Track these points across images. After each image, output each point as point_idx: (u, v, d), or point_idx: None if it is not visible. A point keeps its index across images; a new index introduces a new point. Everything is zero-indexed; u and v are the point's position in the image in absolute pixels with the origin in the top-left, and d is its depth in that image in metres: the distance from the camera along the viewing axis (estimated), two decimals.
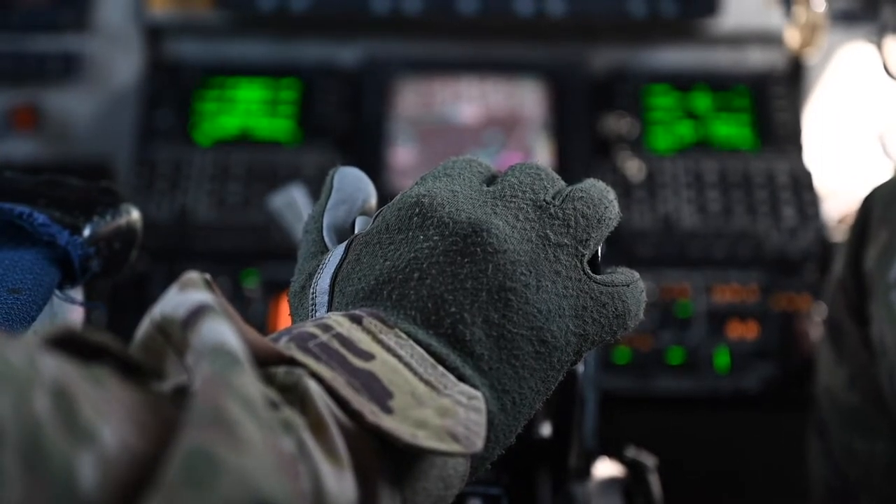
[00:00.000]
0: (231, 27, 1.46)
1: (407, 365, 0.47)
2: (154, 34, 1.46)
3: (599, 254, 0.56)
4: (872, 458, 0.95)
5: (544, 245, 0.53)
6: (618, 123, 1.37)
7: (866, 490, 0.97)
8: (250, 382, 0.40)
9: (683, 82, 1.44)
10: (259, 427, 0.38)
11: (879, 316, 0.89)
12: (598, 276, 0.54)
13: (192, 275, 0.45)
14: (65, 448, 0.33)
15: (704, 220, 1.33)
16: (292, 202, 0.96)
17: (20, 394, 0.33)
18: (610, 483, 0.85)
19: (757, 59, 1.46)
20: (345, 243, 0.55)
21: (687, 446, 1.31)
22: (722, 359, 1.28)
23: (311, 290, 0.55)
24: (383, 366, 0.47)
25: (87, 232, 0.65)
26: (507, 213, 0.54)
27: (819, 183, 1.36)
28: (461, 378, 0.49)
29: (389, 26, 1.45)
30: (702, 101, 1.42)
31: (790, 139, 1.40)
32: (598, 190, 0.56)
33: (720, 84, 1.44)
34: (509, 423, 0.51)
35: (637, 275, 0.57)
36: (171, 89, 1.43)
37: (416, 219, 0.53)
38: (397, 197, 0.55)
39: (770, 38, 1.44)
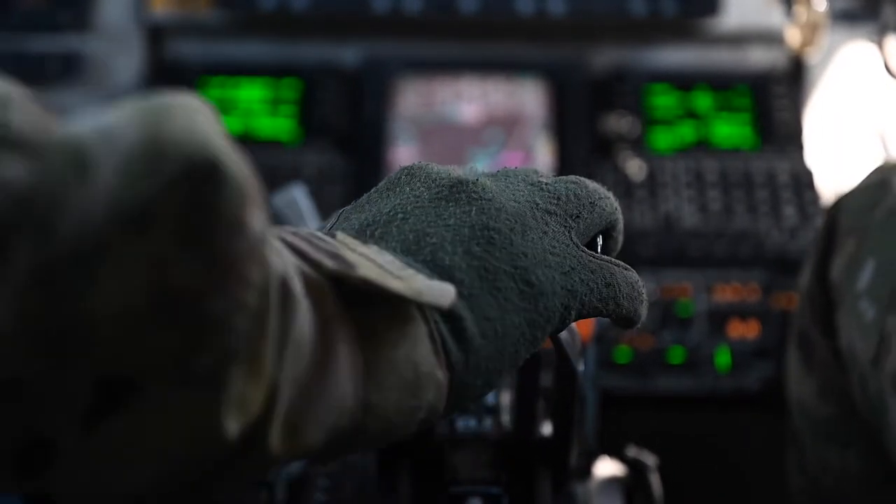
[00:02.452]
0: (231, 27, 1.46)
1: (373, 261, 0.47)
2: (154, 34, 1.46)
3: (598, 248, 0.56)
4: (846, 469, 0.95)
5: (532, 209, 0.53)
6: (618, 123, 1.37)
7: (841, 501, 0.97)
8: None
9: (684, 82, 1.44)
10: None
11: (848, 326, 0.88)
12: (587, 249, 0.54)
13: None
14: None
15: (705, 220, 1.33)
16: (293, 202, 0.96)
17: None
18: (610, 482, 0.85)
19: (758, 58, 1.46)
20: (336, 213, 0.56)
21: (688, 445, 1.31)
22: (723, 358, 1.28)
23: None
24: (350, 253, 0.47)
25: None
26: (498, 181, 0.55)
27: (820, 182, 1.36)
28: None
29: (390, 26, 1.45)
30: (702, 100, 1.42)
31: (791, 139, 1.40)
32: (593, 183, 0.57)
33: (721, 83, 1.44)
34: (491, 353, 0.50)
35: (631, 269, 0.56)
36: (172, 89, 1.42)
37: (404, 177, 0.55)
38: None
39: (771, 38, 1.44)
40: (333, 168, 1.36)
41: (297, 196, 0.95)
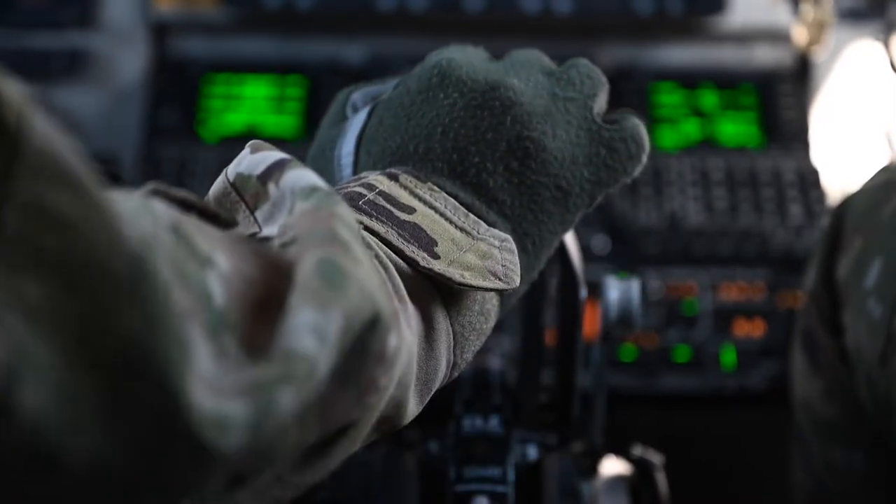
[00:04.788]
0: (237, 24, 1.45)
1: (443, 215, 0.52)
2: (159, 31, 1.46)
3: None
4: (851, 470, 0.95)
5: (554, 100, 0.58)
6: None
7: (846, 501, 0.97)
8: (350, 213, 0.44)
9: (690, 80, 1.43)
10: (363, 250, 0.43)
11: (855, 325, 0.88)
12: (607, 125, 0.60)
13: (259, 140, 0.50)
14: (196, 269, 0.37)
15: (711, 218, 1.33)
16: None
17: (154, 222, 0.36)
18: (616, 481, 0.85)
19: (764, 56, 1.46)
20: (366, 109, 0.59)
21: (693, 444, 1.31)
22: (728, 356, 1.27)
23: (336, 154, 0.59)
24: (424, 217, 0.52)
25: None
26: (520, 76, 0.58)
27: (826, 181, 1.36)
28: (487, 223, 0.54)
29: (395, 24, 1.45)
30: (708, 98, 1.42)
31: (797, 137, 1.40)
32: (592, 65, 0.62)
33: (727, 82, 1.43)
34: (531, 263, 0.56)
35: (634, 114, 0.63)
36: (177, 86, 1.43)
37: (435, 79, 0.57)
38: (416, 67, 0.59)
39: (777, 36, 1.44)
40: None
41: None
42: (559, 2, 1.41)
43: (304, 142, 1.38)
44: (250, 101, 1.42)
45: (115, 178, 0.69)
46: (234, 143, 1.39)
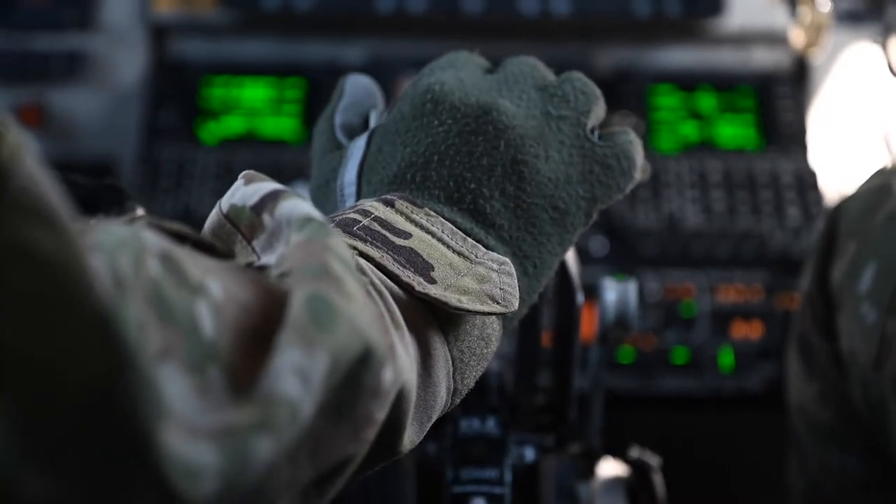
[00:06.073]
0: (235, 26, 1.46)
1: (440, 239, 0.52)
2: (158, 33, 1.46)
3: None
4: (846, 472, 0.95)
5: (547, 120, 0.58)
6: (622, 123, 1.37)
7: (842, 503, 0.97)
8: (344, 245, 0.44)
9: (688, 82, 1.44)
10: (357, 284, 0.43)
11: (849, 329, 0.88)
12: (600, 142, 0.59)
13: (252, 171, 0.49)
14: (184, 299, 0.37)
15: (709, 220, 1.33)
16: None
17: (135, 256, 0.36)
18: (614, 483, 0.86)
19: (762, 59, 1.46)
20: (364, 136, 0.60)
21: (691, 446, 1.31)
22: (726, 358, 1.28)
23: (338, 183, 0.59)
24: (420, 242, 0.52)
25: None
26: (512, 95, 0.58)
27: (823, 183, 1.36)
28: (486, 248, 0.54)
29: (394, 26, 1.45)
30: (706, 101, 1.42)
31: (795, 139, 1.40)
32: (587, 79, 0.62)
33: (725, 84, 1.44)
34: (532, 286, 0.56)
35: (629, 129, 0.62)
36: (176, 88, 1.43)
37: (428, 105, 0.57)
38: (408, 88, 0.60)
39: (775, 38, 1.44)
40: None
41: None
42: (558, 4, 1.42)
43: (303, 144, 1.39)
44: (249, 102, 1.42)
45: (115, 188, 0.69)
46: (233, 145, 1.39)
